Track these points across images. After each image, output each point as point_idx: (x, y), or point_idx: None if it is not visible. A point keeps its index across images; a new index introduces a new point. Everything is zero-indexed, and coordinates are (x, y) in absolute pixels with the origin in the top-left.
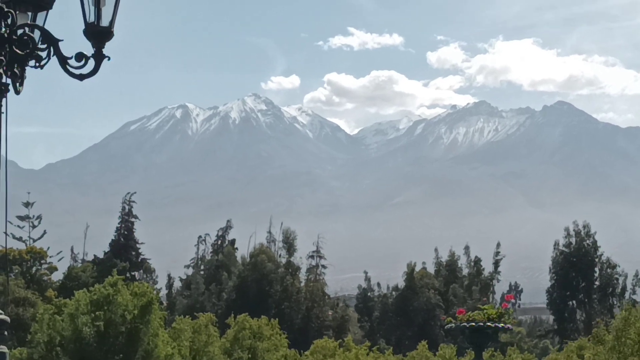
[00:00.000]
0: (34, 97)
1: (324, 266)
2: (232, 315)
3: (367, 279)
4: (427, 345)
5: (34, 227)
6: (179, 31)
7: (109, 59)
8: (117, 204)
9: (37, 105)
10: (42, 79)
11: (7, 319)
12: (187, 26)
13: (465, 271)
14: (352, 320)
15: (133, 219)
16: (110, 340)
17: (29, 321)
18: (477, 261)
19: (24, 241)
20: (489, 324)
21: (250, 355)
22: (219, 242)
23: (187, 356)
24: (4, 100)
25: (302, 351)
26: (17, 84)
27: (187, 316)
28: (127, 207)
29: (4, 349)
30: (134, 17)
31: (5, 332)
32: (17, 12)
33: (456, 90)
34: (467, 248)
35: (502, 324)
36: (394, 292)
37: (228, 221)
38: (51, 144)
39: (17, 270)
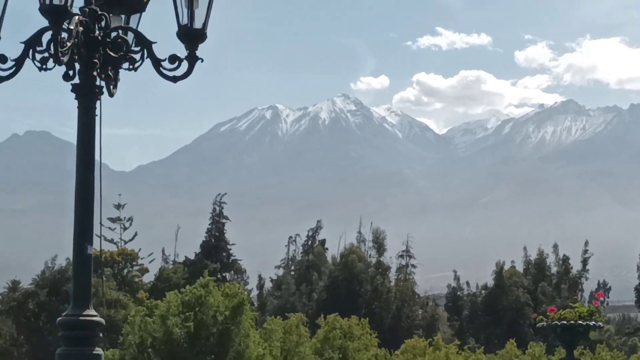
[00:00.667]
0: (126, 99)
1: (413, 266)
2: (323, 315)
3: (456, 278)
4: (515, 344)
5: (125, 229)
6: (269, 32)
7: (202, 60)
8: (207, 205)
9: (129, 108)
10: (134, 82)
11: (102, 320)
12: (277, 27)
13: (553, 270)
14: (441, 319)
15: (224, 220)
16: (201, 342)
17: (121, 323)
18: (566, 259)
19: (115, 243)
20: (580, 322)
21: (340, 356)
22: (309, 242)
23: (278, 356)
24: (98, 103)
25: (392, 351)
26: (111, 87)
27: (277, 317)
28: (217, 208)
29: (99, 350)
30: (224, 19)
31: (100, 334)
32: (111, 15)
33: (544, 89)
34: (555, 247)
35: (594, 322)
36: (483, 291)
37: (318, 221)
38: (142, 146)
39: (108, 272)
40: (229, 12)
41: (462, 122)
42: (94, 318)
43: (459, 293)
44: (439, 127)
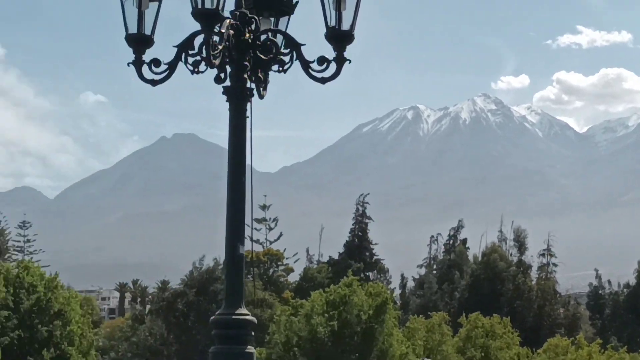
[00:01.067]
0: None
1: (554, 264)
2: (464, 314)
3: (598, 277)
4: None
5: (270, 229)
6: (411, 33)
7: (350, 62)
8: (351, 205)
9: (274, 110)
10: (279, 83)
11: (254, 319)
12: (419, 28)
13: None
14: (583, 318)
15: (367, 220)
16: (345, 340)
17: (267, 322)
18: None
19: (261, 243)
20: None
21: (483, 354)
22: (451, 241)
23: (421, 355)
24: (248, 105)
25: (534, 349)
26: (261, 89)
27: (420, 315)
28: (360, 209)
29: (252, 349)
30: (367, 20)
31: (252, 333)
32: (260, 18)
33: None
34: None
35: None
36: (625, 290)
37: (459, 221)
38: (287, 147)
39: (255, 272)
40: (372, 14)
41: (602, 120)
42: (247, 317)
43: (600, 292)
44: (579, 125)
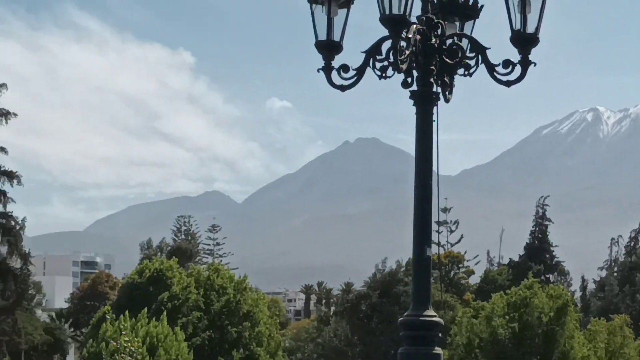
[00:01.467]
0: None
1: None
2: None
3: None
4: None
5: (451, 231)
6: (589, 33)
7: (535, 64)
8: (531, 207)
9: (454, 113)
10: (462, 87)
11: (441, 321)
12: (597, 28)
13: None
14: None
15: (547, 222)
16: (526, 342)
17: (449, 324)
18: None
19: (442, 246)
20: None
21: None
22: (632, 243)
23: (603, 357)
24: (434, 109)
25: None
26: (447, 93)
27: (601, 318)
28: (540, 211)
29: (439, 350)
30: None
31: (439, 334)
32: (446, 22)
33: None
34: None
35: None
36: None
37: None
38: (466, 150)
39: (436, 275)
40: (552, 15)
41: None
42: (434, 318)
43: None
44: None
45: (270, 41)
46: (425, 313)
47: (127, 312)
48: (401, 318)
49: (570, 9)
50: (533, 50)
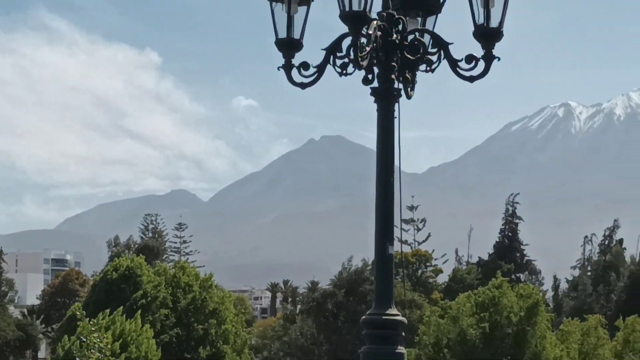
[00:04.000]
0: (418, 101)
1: None
2: (622, 317)
3: None
4: None
5: (418, 230)
6: (560, 27)
7: (499, 59)
8: (500, 205)
9: (420, 110)
10: (426, 83)
11: (404, 320)
12: (569, 21)
13: None
14: None
15: (517, 220)
16: (496, 342)
17: (416, 323)
18: None
19: (409, 244)
20: None
21: None
22: (606, 242)
23: (576, 359)
24: (396, 105)
25: None
26: (409, 89)
27: (574, 318)
28: (510, 209)
29: (402, 349)
30: (516, 16)
31: (402, 333)
32: (407, 18)
33: None
34: None
35: None
36: None
37: (615, 220)
38: (433, 147)
39: (404, 273)
40: (522, 8)
41: None
42: (397, 317)
43: None
44: None
45: (235, 40)
46: (387, 312)
47: (106, 310)
48: (363, 317)
49: (540, 2)
50: (500, 45)
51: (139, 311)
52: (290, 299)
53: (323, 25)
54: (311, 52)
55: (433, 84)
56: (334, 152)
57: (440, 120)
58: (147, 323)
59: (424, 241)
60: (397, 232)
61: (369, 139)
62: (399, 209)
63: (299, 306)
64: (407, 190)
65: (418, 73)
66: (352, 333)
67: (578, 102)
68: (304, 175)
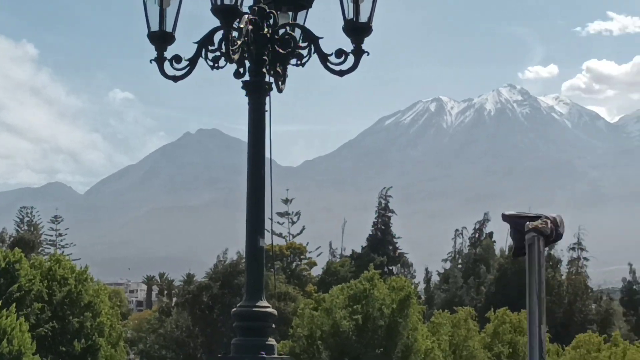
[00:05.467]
0: (293, 95)
1: (585, 259)
2: (492, 309)
3: (632, 272)
4: None
5: (293, 223)
6: (434, 24)
7: (368, 54)
8: (373, 199)
9: (295, 104)
10: (301, 78)
11: (274, 312)
12: (441, 18)
13: None
14: (616, 314)
15: (390, 214)
16: (369, 334)
17: (290, 315)
18: None
19: (283, 237)
20: None
21: (511, 350)
22: (477, 235)
23: (447, 350)
24: (267, 99)
25: (564, 346)
26: (280, 83)
27: (445, 310)
28: (383, 202)
29: (272, 341)
30: (389, 12)
31: (273, 325)
32: (279, 12)
33: None
34: None
35: None
36: None
37: (485, 214)
38: (308, 141)
39: (278, 266)
40: (394, 4)
41: (635, 110)
42: (267, 309)
43: (635, 287)
44: (610, 115)
45: (112, 33)
46: (258, 304)
47: None
48: (234, 309)
49: (410, 0)
50: (372, 41)
51: (14, 304)
52: (166, 292)
53: (196, 18)
54: (184, 46)
55: (308, 79)
56: (210, 145)
57: (316, 114)
58: (22, 317)
59: (298, 234)
60: (270, 225)
61: (245, 132)
62: (271, 200)
63: (174, 299)
64: (282, 184)
65: (291, 67)
66: (227, 325)
67: (450, 97)
68: (180, 169)
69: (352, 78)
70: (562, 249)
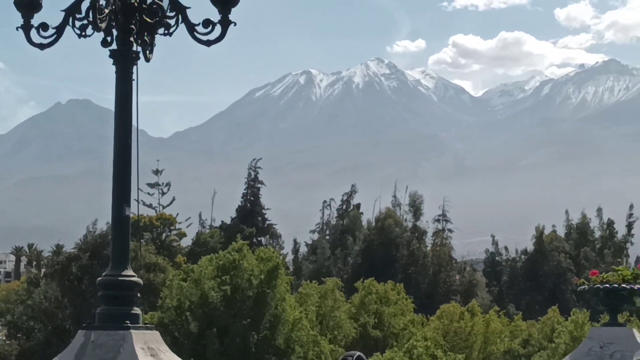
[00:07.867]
0: (164, 66)
1: (450, 230)
2: (362, 280)
3: (495, 243)
4: (558, 310)
5: (163, 194)
6: None
7: (235, 24)
8: (243, 170)
9: (167, 75)
10: (172, 49)
11: (140, 281)
12: None
13: (597, 234)
14: (480, 284)
15: (259, 185)
16: (237, 305)
17: (160, 286)
18: (610, 224)
19: (153, 208)
20: (624, 285)
21: (376, 320)
22: (344, 206)
23: (314, 321)
24: (134, 68)
25: (428, 316)
26: (147, 52)
27: (313, 281)
28: (252, 174)
29: (137, 310)
30: None
31: (138, 294)
32: None
33: (586, 48)
34: (599, 210)
35: (639, 286)
36: (522, 256)
37: (353, 186)
38: (179, 112)
39: (147, 237)
40: None
41: (499, 84)
42: (133, 278)
43: (497, 258)
44: (476, 89)
45: None
46: (123, 273)
47: None
48: (99, 278)
49: None
50: (241, 13)
51: None
52: (34, 263)
53: None
54: (51, 13)
55: (180, 50)
56: (81, 115)
57: (188, 86)
58: None
59: (168, 205)
60: (141, 195)
61: (114, 103)
62: (137, 170)
63: (43, 270)
64: (153, 155)
65: (165, 39)
66: (96, 296)
67: (319, 70)
68: (51, 139)
69: (223, 50)
70: (427, 221)
